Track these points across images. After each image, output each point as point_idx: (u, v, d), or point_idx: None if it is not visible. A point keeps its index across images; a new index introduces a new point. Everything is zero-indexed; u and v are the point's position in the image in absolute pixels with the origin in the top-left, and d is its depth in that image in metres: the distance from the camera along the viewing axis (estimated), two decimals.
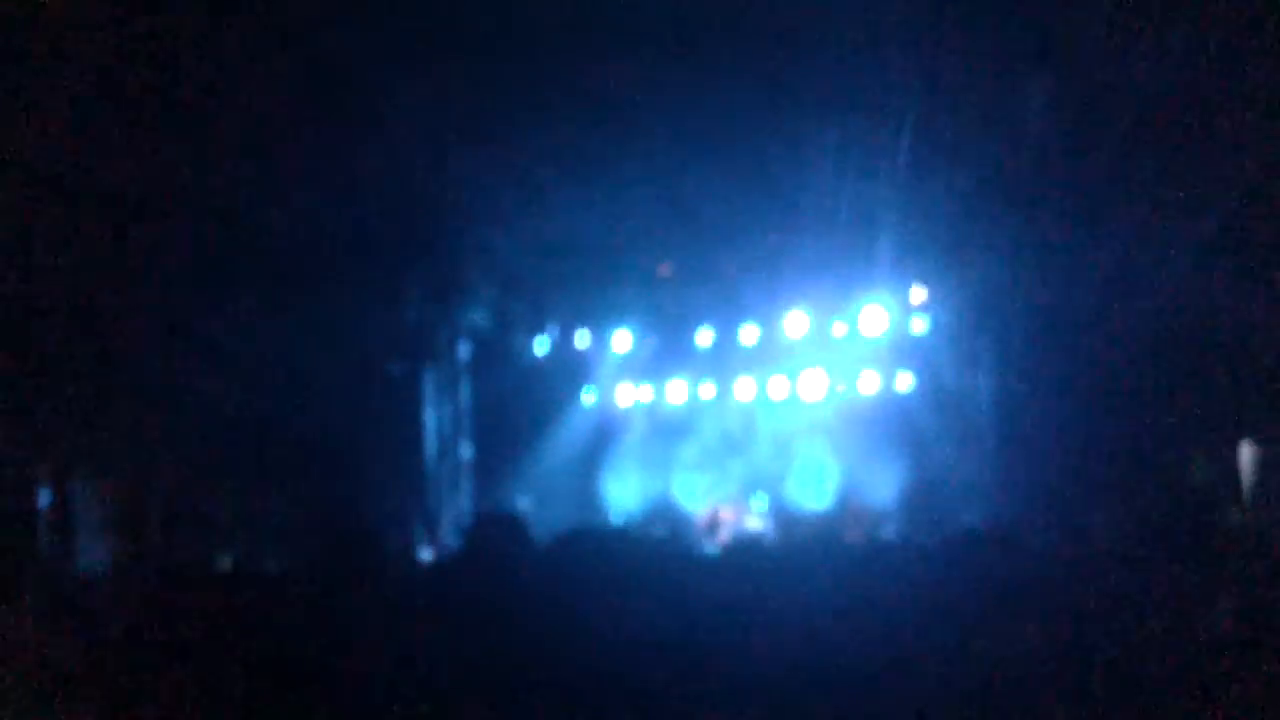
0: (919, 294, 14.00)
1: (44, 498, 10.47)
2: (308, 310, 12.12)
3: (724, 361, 15.77)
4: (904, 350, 14.81)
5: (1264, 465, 9.68)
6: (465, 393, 14.66)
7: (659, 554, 3.50)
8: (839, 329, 14.56)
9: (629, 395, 16.61)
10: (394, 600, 2.51)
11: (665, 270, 13.71)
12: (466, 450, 14.70)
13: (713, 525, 14.21)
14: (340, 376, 12.70)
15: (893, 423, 15.34)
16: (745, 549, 7.18)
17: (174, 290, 11.34)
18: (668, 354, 15.60)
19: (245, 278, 11.78)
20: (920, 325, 14.40)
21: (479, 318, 14.55)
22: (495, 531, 3.54)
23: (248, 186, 11.17)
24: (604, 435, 16.79)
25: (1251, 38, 8.83)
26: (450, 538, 13.78)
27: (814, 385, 15.61)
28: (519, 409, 15.26)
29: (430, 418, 14.31)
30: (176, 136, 10.06)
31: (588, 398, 16.54)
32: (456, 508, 14.55)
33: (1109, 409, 11.29)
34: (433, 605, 3.79)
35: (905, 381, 15.35)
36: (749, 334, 15.05)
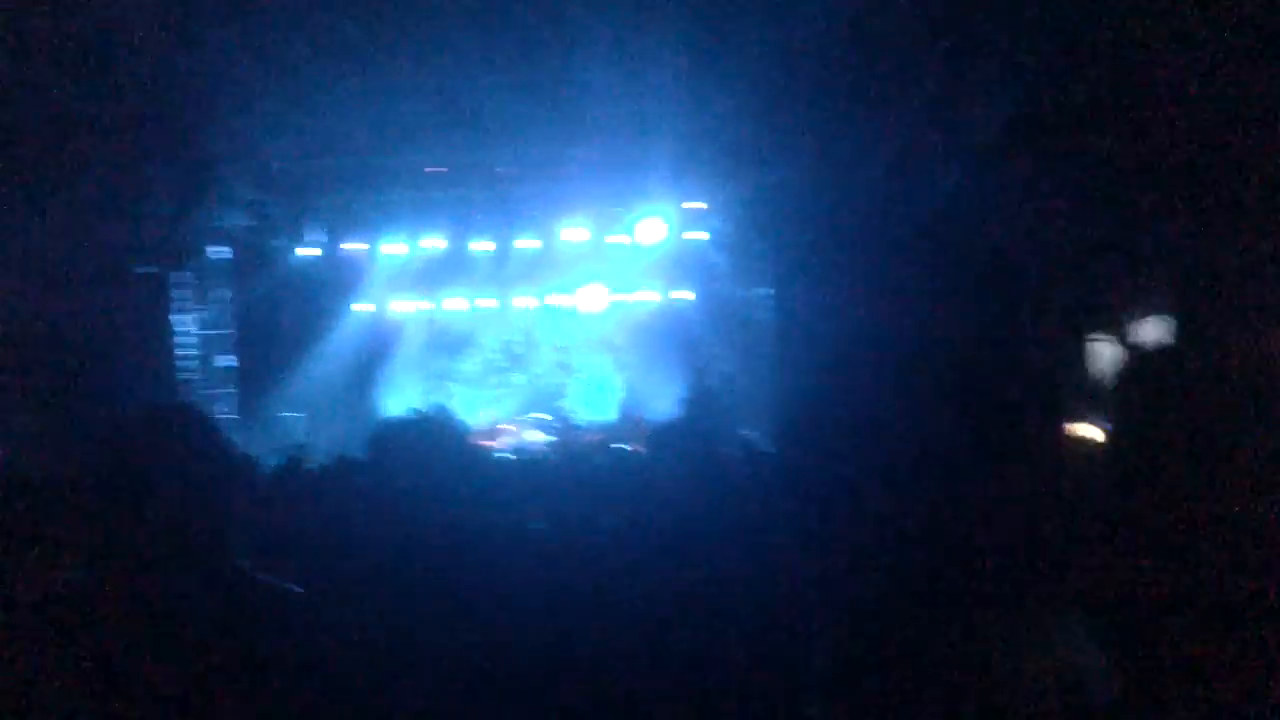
0: (696, 204, 14.13)
1: None
2: (46, 204, 11.36)
3: (503, 272, 15.65)
4: (682, 262, 15.01)
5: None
6: (226, 298, 13.99)
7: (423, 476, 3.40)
8: (618, 240, 14.59)
9: (404, 305, 16.33)
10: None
11: (434, 170, 13.32)
12: (227, 360, 14.07)
13: (488, 439, 14.13)
14: (86, 275, 11.99)
15: (673, 334, 15.60)
16: (523, 464, 7.13)
17: None
18: (444, 264, 15.34)
19: None
20: (697, 236, 14.57)
21: (238, 219, 13.87)
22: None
23: None
24: (378, 347, 16.48)
25: None
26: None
27: (594, 297, 15.71)
28: (286, 317, 14.75)
29: (186, 325, 13.63)
30: None
31: (362, 307, 16.17)
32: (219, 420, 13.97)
33: (888, 313, 11.66)
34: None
35: (683, 293, 15.62)
36: (527, 244, 14.95)
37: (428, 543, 2.90)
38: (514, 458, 12.88)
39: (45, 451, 10.35)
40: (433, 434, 3.16)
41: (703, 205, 14.22)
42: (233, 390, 14.21)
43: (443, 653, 2.62)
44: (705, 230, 14.57)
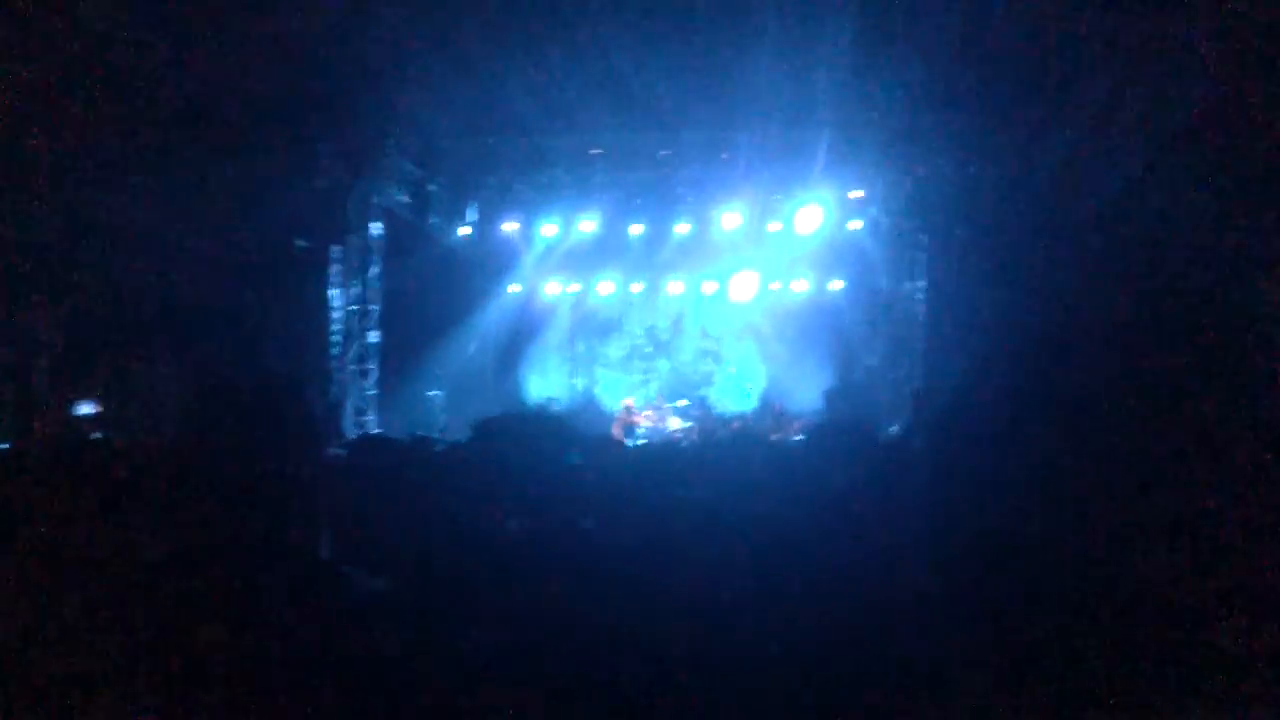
0: (856, 194, 13.83)
1: None
2: (211, 179, 11.57)
3: (655, 257, 15.55)
4: (838, 251, 14.72)
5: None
6: (376, 274, 14.11)
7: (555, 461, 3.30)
8: (774, 227, 14.36)
9: (555, 287, 16.35)
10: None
11: (595, 150, 13.25)
12: (373, 336, 14.21)
13: (629, 426, 14.07)
14: (246, 248, 12.20)
15: (823, 325, 15.35)
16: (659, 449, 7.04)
17: (71, 160, 10.80)
18: (598, 247, 15.26)
19: (144, 145, 11.22)
20: (856, 226, 14.26)
21: (396, 195, 13.98)
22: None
23: (145, 48, 10.55)
24: (526, 328, 16.55)
25: None
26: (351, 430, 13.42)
27: (745, 285, 15.52)
28: (435, 295, 14.84)
29: (337, 299, 13.79)
30: None
31: (513, 287, 16.24)
32: (360, 397, 14.16)
33: (1046, 313, 11.31)
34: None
35: (838, 283, 15.34)
36: (682, 229, 14.80)
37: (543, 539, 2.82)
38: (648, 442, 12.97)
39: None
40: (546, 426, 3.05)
41: (861, 194, 13.91)
42: (373, 367, 14.30)
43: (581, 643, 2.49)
44: (863, 219, 14.24)
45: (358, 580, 2.26)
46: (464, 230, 14.85)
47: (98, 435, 8.36)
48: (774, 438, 14.03)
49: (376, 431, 13.40)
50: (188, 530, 2.15)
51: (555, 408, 14.84)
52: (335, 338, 13.88)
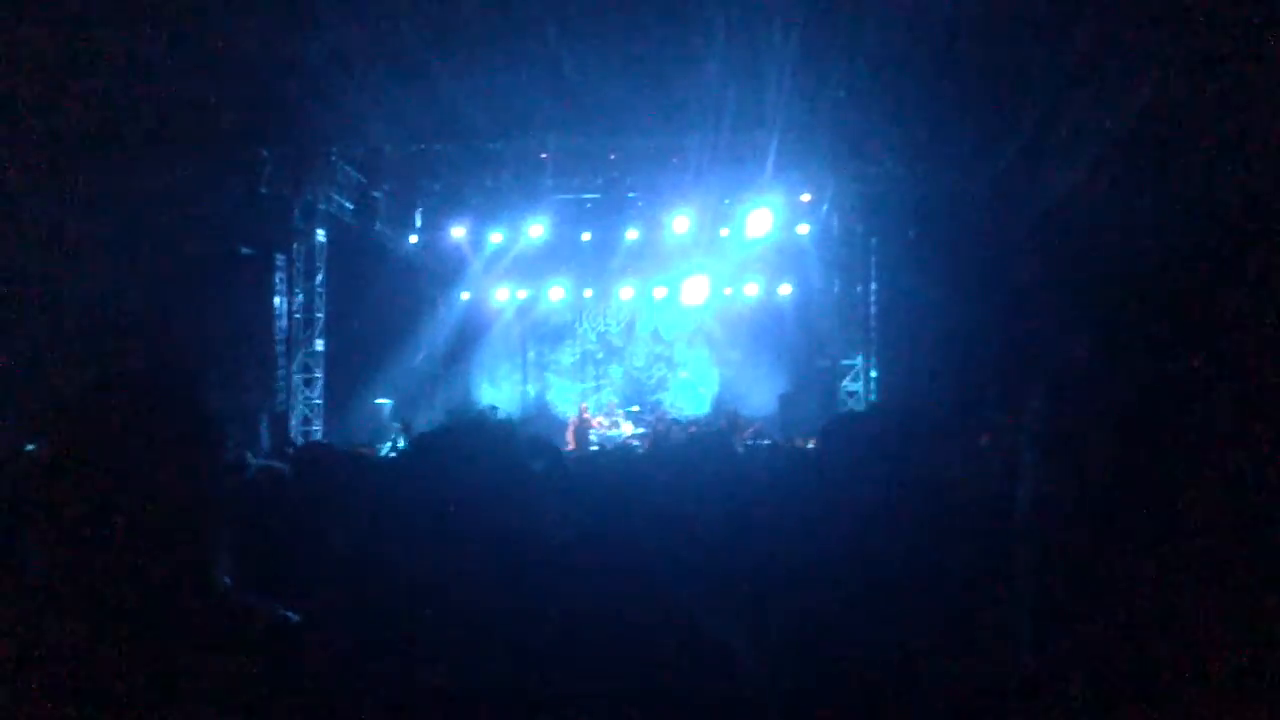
0: (806, 197, 13.95)
1: None
2: (151, 183, 11.47)
3: (606, 263, 15.60)
4: (789, 255, 14.85)
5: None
6: (321, 282, 14.05)
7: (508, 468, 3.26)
8: (724, 231, 14.47)
9: (505, 294, 16.34)
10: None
11: (543, 154, 13.26)
12: (319, 344, 14.15)
13: (581, 431, 14.11)
14: (189, 255, 12.12)
15: (775, 328, 15.47)
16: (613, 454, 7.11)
17: (6, 164, 10.68)
18: (548, 252, 15.29)
19: (85, 148, 11.12)
20: (806, 229, 14.40)
21: (341, 202, 13.92)
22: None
23: (88, 55, 10.46)
24: (475, 335, 16.53)
25: None
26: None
27: (697, 289, 15.62)
28: (382, 302, 14.79)
29: (281, 306, 13.73)
30: None
31: (462, 294, 16.23)
32: (307, 405, 14.10)
33: (997, 315, 11.50)
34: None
35: (787, 288, 15.47)
36: (632, 234, 14.87)
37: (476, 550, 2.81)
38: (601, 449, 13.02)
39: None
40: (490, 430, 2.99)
41: (810, 198, 14.03)
42: (319, 375, 14.23)
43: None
44: (812, 223, 14.38)
45: (259, 612, 2.02)
46: (411, 237, 14.81)
47: None
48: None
49: (319, 440, 13.36)
50: (56, 552, 1.95)
51: (501, 413, 14.79)
52: (279, 346, 13.83)
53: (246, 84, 11.62)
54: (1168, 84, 9.67)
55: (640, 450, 8.94)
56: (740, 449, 5.95)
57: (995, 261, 11.69)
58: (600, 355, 16.76)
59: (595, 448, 13.59)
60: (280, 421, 13.43)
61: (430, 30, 11.26)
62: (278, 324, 13.81)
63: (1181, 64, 9.49)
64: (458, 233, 14.73)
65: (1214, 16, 8.92)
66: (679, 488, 4.16)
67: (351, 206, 14.07)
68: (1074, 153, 10.78)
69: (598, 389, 16.49)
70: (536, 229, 14.38)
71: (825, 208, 14.15)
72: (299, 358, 14.07)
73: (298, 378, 14.04)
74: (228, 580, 2.00)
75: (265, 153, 12.79)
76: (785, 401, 14.56)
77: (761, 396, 15.02)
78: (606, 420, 14.82)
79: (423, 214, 14.63)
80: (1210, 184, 9.94)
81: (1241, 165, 9.44)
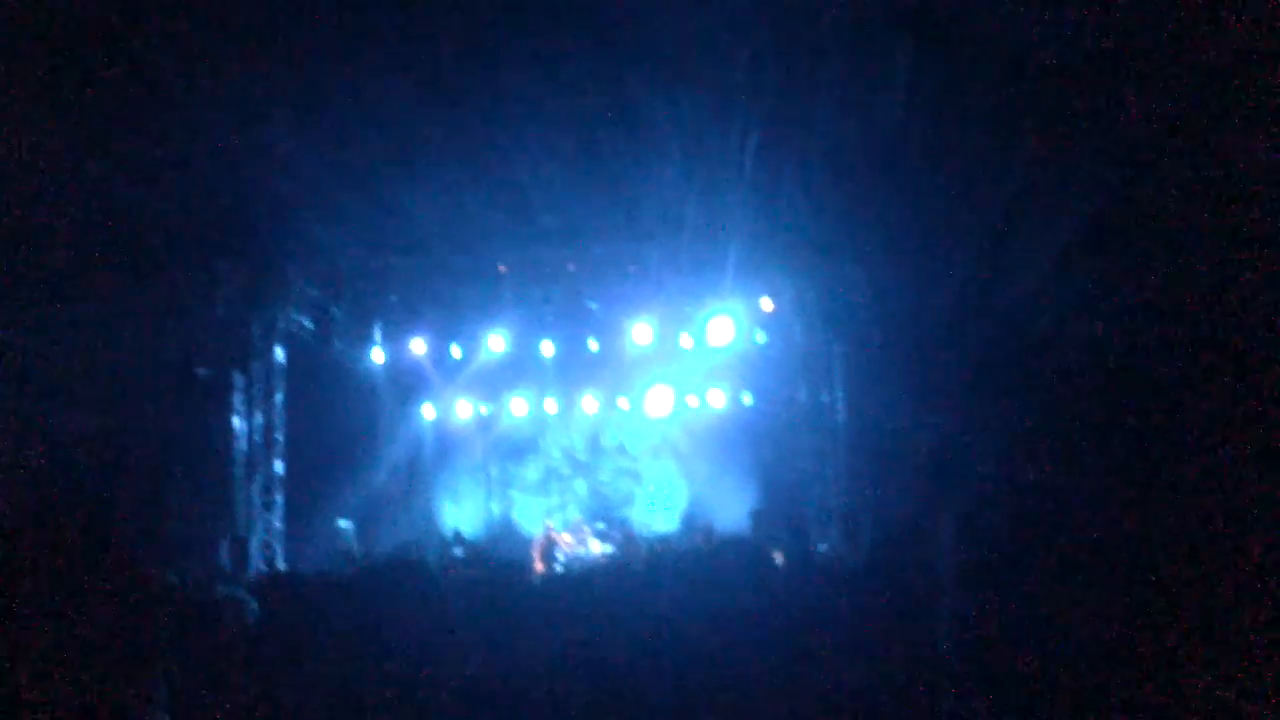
0: (767, 304, 14.02)
1: None
2: (106, 304, 11.44)
3: (568, 374, 15.58)
4: (751, 362, 14.85)
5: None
6: (280, 401, 13.94)
7: (477, 592, 3.22)
8: (686, 341, 14.49)
9: (466, 408, 16.25)
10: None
11: (502, 267, 13.35)
12: (279, 465, 13.96)
13: (548, 551, 13.87)
14: (142, 378, 12.01)
15: (741, 438, 15.37)
16: (580, 578, 6.92)
17: None
18: (509, 366, 15.27)
19: (37, 270, 11.09)
20: (766, 337, 14.45)
21: (299, 319, 13.91)
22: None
23: (39, 173, 10.51)
24: (437, 452, 16.40)
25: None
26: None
27: (661, 400, 15.56)
28: (341, 420, 14.67)
29: (240, 427, 13.57)
30: None
31: (422, 409, 16.15)
32: (266, 529, 13.83)
33: (954, 418, 11.48)
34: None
35: (751, 396, 15.44)
36: (593, 345, 14.88)
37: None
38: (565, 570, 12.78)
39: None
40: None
41: (771, 304, 14.10)
42: (279, 498, 14.01)
43: None
44: (775, 330, 14.43)
45: None
46: (371, 352, 14.78)
47: None
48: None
49: (281, 567, 13.10)
50: None
51: (466, 538, 14.63)
52: (238, 468, 13.63)
53: (202, 202, 11.68)
54: (1128, 180, 9.84)
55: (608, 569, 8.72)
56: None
57: (960, 363, 11.72)
58: (565, 471, 16.60)
59: (562, 567, 13.39)
60: (240, 547, 13.15)
61: (384, 143, 11.38)
62: (236, 445, 13.65)
63: (1143, 158, 9.67)
64: (417, 347, 14.72)
65: (1170, 113, 9.11)
66: (646, 608, 3.94)
67: (310, 324, 14.05)
68: (1036, 251, 10.88)
69: (563, 506, 16.28)
70: (497, 341, 14.38)
71: (787, 313, 14.21)
72: (259, 480, 13.86)
73: (258, 501, 13.81)
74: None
75: (222, 271, 12.79)
76: (757, 517, 14.39)
77: (733, 510, 14.84)
78: (573, 538, 14.59)
79: (382, 328, 14.64)
80: (1177, 279, 10.05)
81: (1205, 258, 9.58)
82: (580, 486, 16.52)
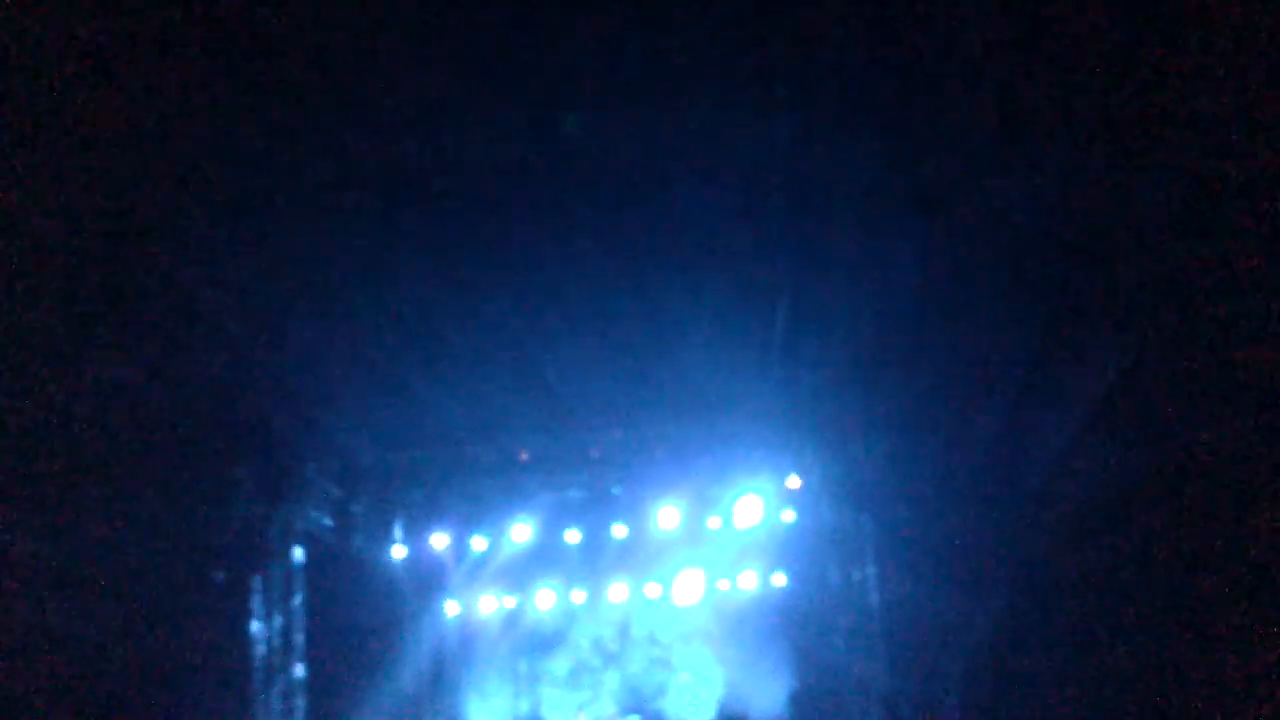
0: (794, 481, 13.79)
1: None
2: (120, 508, 11.31)
3: (595, 563, 15.29)
4: (781, 542, 14.56)
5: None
6: (300, 602, 13.63)
7: None
8: (713, 522, 14.24)
9: (491, 602, 15.90)
10: None
11: (524, 455, 13.24)
12: (299, 669, 13.56)
13: None
14: (158, 583, 11.78)
15: (775, 620, 14.96)
16: None
17: None
18: (534, 556, 15.02)
19: (53, 472, 11.01)
20: (794, 516, 14.18)
21: (318, 518, 13.73)
22: None
23: (51, 380, 10.55)
24: (463, 649, 15.99)
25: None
26: None
27: (690, 585, 15.24)
28: (363, 620, 14.33)
29: (259, 630, 13.24)
30: None
31: (446, 605, 15.81)
32: None
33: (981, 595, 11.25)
34: None
35: (781, 577, 15.09)
36: (619, 531, 14.63)
37: None
38: None
39: None
40: None
41: (798, 482, 13.88)
42: (300, 703, 13.57)
43: None
44: (804, 508, 14.16)
45: None
46: (392, 549, 14.56)
47: None
48: None
49: None
50: None
51: None
52: (257, 674, 13.25)
53: (219, 404, 11.66)
54: (1148, 344, 9.73)
55: None
56: None
57: (995, 535, 11.48)
58: (595, 662, 16.11)
59: None
60: None
61: (403, 339, 11.42)
62: (255, 650, 13.31)
63: (1162, 322, 9.58)
64: (439, 542, 14.52)
65: (1187, 274, 9.06)
66: None
67: (330, 522, 13.86)
68: (1060, 417, 10.75)
69: (595, 699, 15.77)
70: (521, 532, 14.20)
71: (814, 491, 13.98)
72: (278, 685, 13.47)
73: (278, 709, 13.39)
74: None
75: (240, 472, 12.69)
76: (796, 700, 13.92)
77: (769, 696, 14.35)
78: None
79: (403, 524, 14.48)
80: (1195, 436, 9.83)
81: (1224, 416, 9.37)
82: (611, 678, 16.02)
